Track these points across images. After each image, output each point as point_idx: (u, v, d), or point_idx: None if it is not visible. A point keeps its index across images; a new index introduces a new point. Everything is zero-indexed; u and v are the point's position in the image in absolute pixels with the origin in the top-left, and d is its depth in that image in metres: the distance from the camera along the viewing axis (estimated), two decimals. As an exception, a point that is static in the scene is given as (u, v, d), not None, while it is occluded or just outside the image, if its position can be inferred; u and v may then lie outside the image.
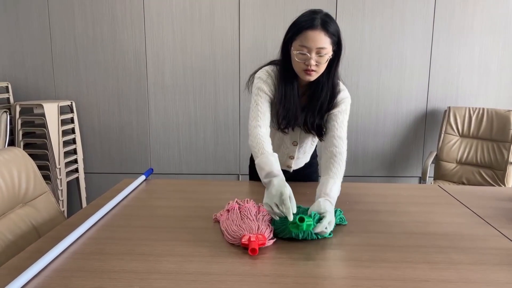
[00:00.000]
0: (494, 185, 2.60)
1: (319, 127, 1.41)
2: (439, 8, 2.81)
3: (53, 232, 1.10)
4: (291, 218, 1.03)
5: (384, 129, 2.99)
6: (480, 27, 2.83)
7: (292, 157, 1.56)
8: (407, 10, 2.82)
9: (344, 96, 1.42)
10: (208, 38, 2.89)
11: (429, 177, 2.80)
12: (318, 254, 0.98)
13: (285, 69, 1.35)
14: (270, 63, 1.45)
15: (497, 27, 2.83)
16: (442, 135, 2.82)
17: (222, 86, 2.95)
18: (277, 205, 1.08)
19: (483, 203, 1.39)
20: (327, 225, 1.06)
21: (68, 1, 2.86)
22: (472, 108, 2.78)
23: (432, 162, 2.80)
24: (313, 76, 1.29)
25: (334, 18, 2.95)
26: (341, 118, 1.41)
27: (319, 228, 1.03)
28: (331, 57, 1.28)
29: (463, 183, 2.73)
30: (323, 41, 1.23)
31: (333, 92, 1.38)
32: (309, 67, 1.25)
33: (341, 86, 1.43)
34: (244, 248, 0.98)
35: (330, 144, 1.39)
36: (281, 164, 1.59)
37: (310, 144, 1.56)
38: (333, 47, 1.27)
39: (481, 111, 2.75)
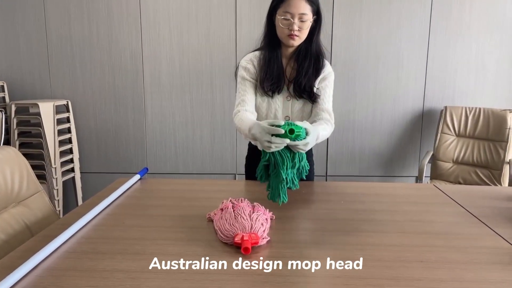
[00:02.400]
0: (490, 185, 2.61)
1: (309, 90, 1.50)
2: (436, 7, 2.82)
3: (45, 231, 1.09)
4: (282, 131, 1.17)
5: (381, 128, 2.99)
6: (477, 26, 2.84)
7: None
8: (404, 9, 2.82)
9: (330, 70, 1.55)
10: (205, 37, 2.89)
11: (425, 176, 2.80)
12: (311, 252, 0.97)
13: (269, 38, 1.50)
14: (255, 50, 1.57)
15: (493, 26, 2.84)
16: (439, 134, 2.82)
17: (219, 86, 2.95)
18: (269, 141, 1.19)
19: (479, 202, 1.39)
20: (303, 145, 1.20)
21: (64, 0, 2.85)
22: (469, 107, 2.78)
23: (429, 162, 2.81)
24: (296, 41, 1.43)
25: (331, 18, 2.96)
26: (328, 92, 1.54)
27: (297, 143, 1.18)
28: (311, 23, 1.42)
29: (460, 183, 2.73)
30: (304, 8, 1.37)
31: (318, 57, 1.51)
32: (292, 32, 1.39)
33: (325, 60, 1.55)
34: (237, 247, 0.97)
35: (317, 115, 1.52)
36: None
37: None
38: (313, 15, 1.41)
39: (477, 111, 2.75)
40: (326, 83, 1.53)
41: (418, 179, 2.76)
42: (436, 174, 2.82)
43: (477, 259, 0.95)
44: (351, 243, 1.04)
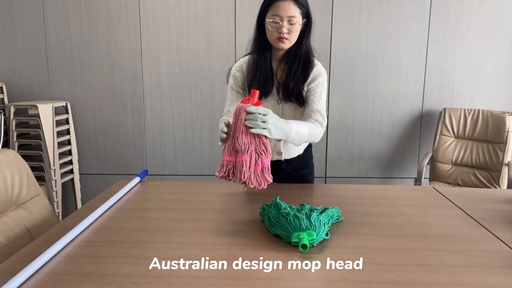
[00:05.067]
0: (489, 187, 2.62)
1: (297, 93, 1.48)
2: (435, 9, 2.82)
3: (45, 235, 1.09)
4: (223, 136, 1.22)
5: (379, 130, 2.99)
6: (476, 28, 2.85)
7: (279, 139, 1.58)
8: (403, 11, 2.83)
9: (321, 70, 1.52)
10: (204, 37, 2.89)
11: (424, 178, 2.81)
12: (311, 256, 0.98)
13: (259, 41, 1.48)
14: (247, 54, 1.56)
15: (492, 28, 2.85)
16: (438, 136, 2.83)
17: (218, 86, 2.95)
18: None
19: (478, 205, 1.39)
20: (262, 117, 1.18)
21: (63, 0, 2.85)
22: (468, 109, 2.79)
23: (428, 163, 2.81)
24: (286, 44, 1.42)
25: (330, 19, 2.96)
26: (319, 92, 1.49)
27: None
28: (301, 26, 1.41)
29: (459, 185, 2.73)
30: (293, 10, 1.37)
31: (307, 59, 1.49)
32: (282, 35, 1.38)
33: (316, 61, 1.53)
34: (236, 250, 0.97)
35: (308, 117, 1.48)
36: (272, 150, 1.61)
37: None
38: (302, 17, 1.41)
39: (476, 112, 2.76)
40: (316, 83, 1.50)
41: (417, 180, 2.77)
42: (435, 176, 2.82)
43: (477, 263, 0.95)
44: (350, 246, 1.04)
